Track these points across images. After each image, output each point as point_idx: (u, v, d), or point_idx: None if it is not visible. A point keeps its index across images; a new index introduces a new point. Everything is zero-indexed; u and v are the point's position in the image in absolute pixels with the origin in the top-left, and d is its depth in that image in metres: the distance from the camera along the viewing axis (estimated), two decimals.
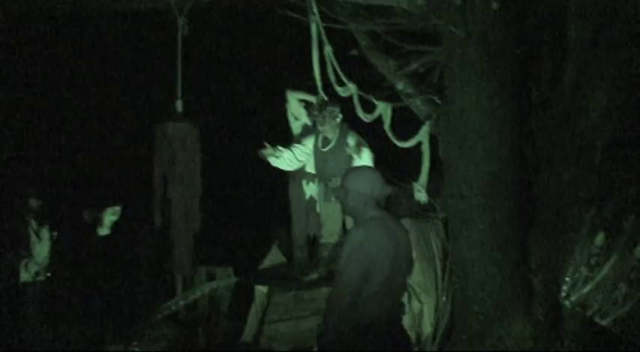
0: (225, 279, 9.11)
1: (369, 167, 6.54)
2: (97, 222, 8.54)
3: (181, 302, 8.77)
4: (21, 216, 8.63)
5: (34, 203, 8.66)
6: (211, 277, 9.22)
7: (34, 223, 8.63)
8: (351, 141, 8.24)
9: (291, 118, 9.00)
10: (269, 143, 8.20)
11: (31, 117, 11.00)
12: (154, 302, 8.85)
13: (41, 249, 8.62)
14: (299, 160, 8.44)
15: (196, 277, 9.26)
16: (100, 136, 11.40)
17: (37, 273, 8.51)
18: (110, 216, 8.53)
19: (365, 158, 8.17)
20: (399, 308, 5.28)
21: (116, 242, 8.66)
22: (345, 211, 5.25)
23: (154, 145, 8.88)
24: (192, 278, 9.27)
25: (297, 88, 8.86)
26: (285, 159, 8.31)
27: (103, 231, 8.54)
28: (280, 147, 8.26)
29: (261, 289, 8.60)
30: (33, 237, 8.59)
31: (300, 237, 8.98)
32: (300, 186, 8.89)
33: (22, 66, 10.63)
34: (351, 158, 8.26)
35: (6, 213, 8.69)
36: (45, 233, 8.69)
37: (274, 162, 8.28)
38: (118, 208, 8.57)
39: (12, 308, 8.41)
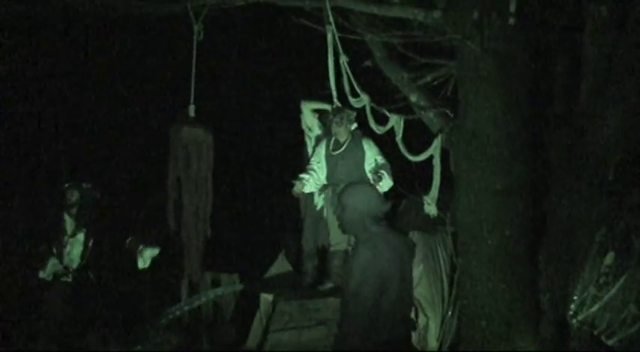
0: (230, 286, 9.09)
1: (365, 184, 6.46)
2: (136, 252, 8.55)
3: (186, 308, 8.73)
4: (57, 209, 8.60)
5: (71, 196, 8.60)
6: (217, 283, 9.20)
7: (70, 221, 8.58)
8: (367, 149, 8.28)
9: (305, 129, 9.01)
10: (294, 178, 8.44)
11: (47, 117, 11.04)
12: (158, 306, 8.83)
13: (72, 249, 8.57)
14: (321, 178, 8.51)
15: (202, 283, 9.24)
16: (115, 139, 11.42)
17: (62, 274, 8.47)
18: (151, 253, 8.55)
19: (384, 185, 8.17)
20: (410, 324, 5.25)
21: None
22: (342, 228, 5.10)
23: (167, 149, 8.89)
24: (197, 284, 9.25)
25: (311, 97, 8.87)
26: (312, 183, 8.40)
27: (142, 264, 8.56)
28: (302, 175, 8.44)
29: (266, 297, 8.58)
30: (67, 236, 8.55)
31: (310, 247, 8.96)
32: (312, 195, 8.88)
33: (40, 68, 10.67)
34: (361, 164, 8.29)
35: (47, 204, 8.70)
36: (81, 236, 8.62)
37: (305, 189, 8.39)
38: (157, 250, 8.59)
39: (34, 302, 8.40)
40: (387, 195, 8.22)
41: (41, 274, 8.41)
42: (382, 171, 8.16)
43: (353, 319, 4.84)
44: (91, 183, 8.68)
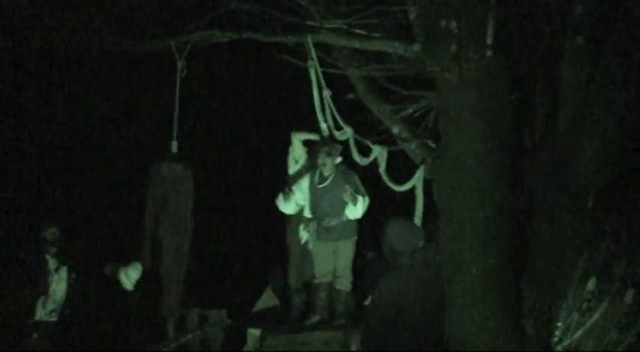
0: (217, 322, 9.09)
1: (404, 220, 6.63)
2: (116, 275, 8.57)
3: (173, 345, 8.72)
4: (39, 250, 8.62)
5: (50, 235, 8.64)
6: (204, 319, 9.19)
7: (52, 260, 8.61)
8: (351, 183, 8.35)
9: (291, 162, 9.07)
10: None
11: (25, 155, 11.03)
12: (145, 344, 8.82)
13: (57, 287, 8.58)
14: (299, 204, 8.57)
15: (189, 319, 9.23)
16: (93, 174, 11.42)
17: (51, 312, 8.48)
18: (134, 272, 8.56)
19: (359, 207, 8.28)
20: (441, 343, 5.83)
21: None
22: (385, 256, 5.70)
23: (146, 186, 8.89)
24: (184, 321, 9.23)
25: (301, 128, 8.96)
26: (292, 202, 8.44)
27: (127, 285, 8.57)
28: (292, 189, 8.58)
29: (253, 332, 8.58)
30: (52, 274, 8.56)
31: (298, 281, 9.00)
32: (297, 230, 8.94)
33: (21, 103, 10.68)
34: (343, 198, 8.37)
35: (24, 247, 8.70)
36: (63, 272, 8.65)
37: (283, 205, 8.43)
38: (139, 266, 8.60)
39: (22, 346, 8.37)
40: (371, 224, 8.32)
41: (39, 313, 8.42)
42: (358, 196, 8.27)
43: (372, 330, 5.48)
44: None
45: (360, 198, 8.34)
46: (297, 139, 8.97)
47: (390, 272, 5.50)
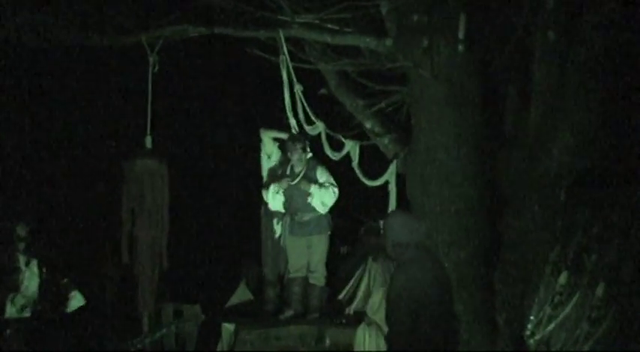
0: (192, 317, 9.08)
1: (404, 214, 6.61)
2: (68, 295, 8.58)
3: (147, 340, 8.70)
4: (9, 246, 8.57)
5: (22, 231, 8.60)
6: (179, 314, 9.17)
7: (22, 256, 8.56)
8: (320, 176, 8.34)
9: (264, 157, 9.05)
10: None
11: None
12: (120, 339, 8.80)
13: (29, 283, 8.53)
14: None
15: (164, 314, 9.20)
16: (68, 171, 11.36)
17: (22, 308, 8.42)
18: (77, 303, 8.60)
19: (325, 198, 8.29)
20: (455, 333, 5.87)
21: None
22: (387, 251, 5.69)
23: (122, 182, 8.84)
24: (159, 316, 9.21)
25: (271, 126, 8.93)
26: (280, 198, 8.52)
27: (67, 308, 8.60)
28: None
29: (227, 327, 8.56)
30: (23, 270, 8.52)
31: (272, 274, 9.00)
32: (271, 224, 8.93)
33: None
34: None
35: None
36: (34, 267, 8.61)
37: (273, 201, 8.44)
38: (82, 302, 8.64)
39: None
40: (344, 219, 8.34)
41: (8, 310, 8.35)
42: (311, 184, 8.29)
43: (395, 330, 5.43)
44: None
45: (320, 189, 8.30)
46: (267, 137, 8.95)
47: (399, 269, 5.54)
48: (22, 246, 8.58)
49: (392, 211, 6.37)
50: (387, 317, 5.48)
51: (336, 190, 8.32)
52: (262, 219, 9.14)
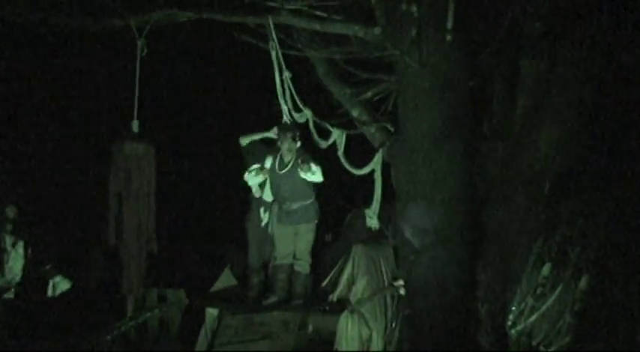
0: (175, 302, 9.09)
1: (422, 203, 6.73)
2: (50, 281, 8.58)
3: (131, 323, 8.70)
4: None
5: (10, 213, 8.60)
6: (163, 299, 9.17)
7: (9, 237, 8.56)
8: (303, 158, 8.36)
9: (249, 158, 9.01)
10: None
11: None
12: (104, 322, 8.79)
13: (14, 264, 8.53)
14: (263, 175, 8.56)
15: (148, 298, 9.21)
16: (56, 154, 11.32)
17: (1, 289, 8.42)
18: (63, 286, 8.58)
19: (317, 173, 8.30)
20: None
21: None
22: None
23: (109, 165, 8.82)
24: (143, 300, 9.21)
25: (244, 132, 8.93)
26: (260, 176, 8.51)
27: (50, 292, 8.59)
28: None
29: (211, 312, 8.60)
30: (9, 251, 8.52)
31: (257, 261, 9.02)
32: (258, 212, 8.95)
33: None
34: (304, 181, 8.37)
35: None
36: (20, 248, 8.61)
37: (252, 180, 8.43)
38: (68, 285, 8.61)
39: None
40: (329, 207, 8.36)
41: None
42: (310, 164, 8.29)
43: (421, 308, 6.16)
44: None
45: (312, 164, 8.33)
46: (245, 142, 8.92)
47: (421, 254, 6.08)
48: (9, 227, 8.59)
49: (410, 203, 6.47)
50: (412, 296, 5.97)
51: (319, 169, 8.38)
52: (251, 206, 9.15)
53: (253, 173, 8.59)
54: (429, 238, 5.76)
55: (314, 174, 8.36)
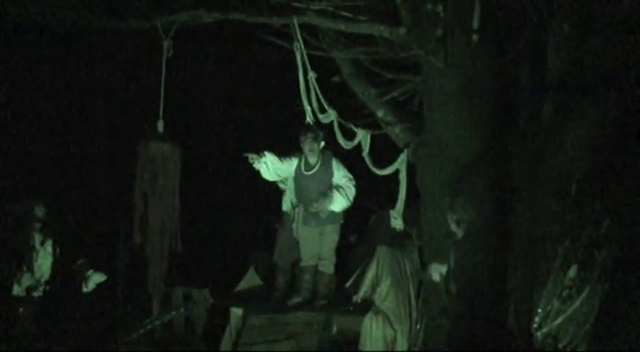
0: (201, 301, 9.13)
1: (467, 194, 6.85)
2: (83, 276, 8.62)
3: (157, 322, 8.75)
4: (26, 226, 8.66)
5: (40, 212, 8.69)
6: (188, 298, 9.22)
7: (37, 235, 8.64)
8: (336, 170, 8.33)
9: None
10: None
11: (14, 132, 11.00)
12: (131, 320, 8.85)
13: (43, 262, 8.61)
14: (278, 169, 8.46)
15: (173, 297, 9.26)
16: (82, 153, 11.40)
17: (29, 288, 8.49)
18: (97, 279, 8.61)
19: (342, 201, 8.31)
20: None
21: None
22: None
23: (135, 164, 8.87)
24: (169, 299, 9.26)
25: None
26: (269, 166, 8.38)
27: (85, 288, 8.62)
28: (266, 153, 8.38)
29: (236, 311, 8.60)
30: (37, 249, 8.59)
31: (285, 262, 9.02)
32: (287, 212, 8.97)
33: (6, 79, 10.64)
34: (330, 184, 8.35)
35: (9, 221, 8.71)
36: (49, 247, 8.68)
37: (261, 168, 8.37)
38: (104, 278, 8.66)
39: (5, 323, 8.39)
40: (354, 209, 8.35)
41: (15, 290, 8.43)
42: (333, 193, 8.26)
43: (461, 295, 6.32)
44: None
45: (334, 195, 8.31)
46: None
47: (460, 242, 6.33)
48: (38, 225, 8.67)
49: (453, 195, 6.56)
50: (451, 283, 6.27)
51: (354, 183, 8.34)
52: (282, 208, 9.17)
53: (261, 168, 8.49)
54: (469, 229, 6.18)
55: (337, 200, 8.35)
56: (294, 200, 8.73)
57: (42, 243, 8.65)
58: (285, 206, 8.87)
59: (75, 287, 8.68)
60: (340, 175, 8.37)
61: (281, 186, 8.82)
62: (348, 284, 8.75)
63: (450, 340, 6.67)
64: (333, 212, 8.42)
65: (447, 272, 6.59)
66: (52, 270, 8.62)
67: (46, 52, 10.49)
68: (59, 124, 11.28)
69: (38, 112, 11.10)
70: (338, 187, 8.34)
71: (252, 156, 8.26)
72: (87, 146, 11.38)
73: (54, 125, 11.24)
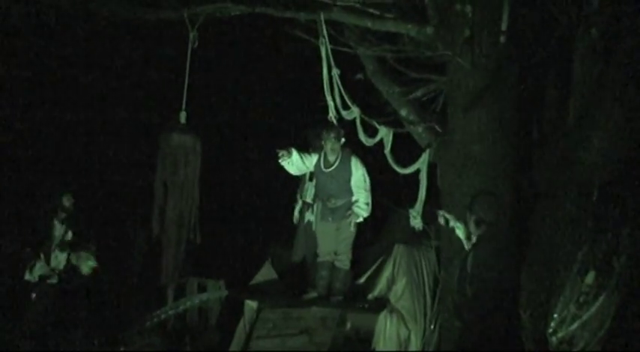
0: (215, 292, 9.13)
1: (490, 195, 6.86)
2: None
3: (171, 312, 8.77)
4: (50, 216, 8.74)
5: (67, 201, 8.75)
6: (203, 289, 9.23)
7: (60, 226, 8.70)
8: (355, 169, 8.32)
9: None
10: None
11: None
12: (145, 309, 8.88)
13: (59, 253, 8.66)
14: (301, 165, 8.48)
15: (188, 288, 9.28)
16: (104, 143, 11.45)
17: (42, 276, 8.53)
18: (90, 264, 8.65)
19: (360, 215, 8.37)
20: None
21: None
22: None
23: (157, 155, 8.89)
24: (183, 289, 9.28)
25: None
26: (294, 162, 8.39)
27: (85, 270, 8.67)
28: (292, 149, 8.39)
29: (250, 304, 8.60)
30: (58, 239, 8.66)
31: (301, 256, 9.05)
32: (304, 207, 9.00)
33: (28, 72, 10.69)
34: (348, 181, 8.35)
35: (35, 211, 8.81)
36: (68, 238, 8.75)
37: (286, 164, 8.38)
38: (92, 254, 8.71)
39: (18, 305, 8.47)
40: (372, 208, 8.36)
41: (27, 276, 8.48)
42: (352, 211, 8.35)
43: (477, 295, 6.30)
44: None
45: (355, 211, 8.37)
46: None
47: (481, 244, 6.35)
48: (62, 215, 8.73)
49: (479, 195, 6.57)
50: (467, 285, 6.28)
51: (369, 186, 8.36)
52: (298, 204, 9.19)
53: (286, 163, 8.52)
54: (490, 231, 6.25)
55: (360, 214, 8.40)
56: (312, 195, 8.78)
57: (63, 236, 8.71)
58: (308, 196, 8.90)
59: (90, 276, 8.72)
60: (359, 174, 8.36)
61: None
62: (361, 281, 8.76)
63: (462, 342, 6.65)
64: (350, 205, 8.43)
65: (464, 274, 6.56)
66: (67, 261, 8.68)
67: (66, 42, 10.51)
68: (82, 115, 11.32)
69: (60, 104, 11.14)
70: (355, 202, 8.38)
71: (282, 153, 8.26)
72: (109, 135, 11.41)
73: (76, 116, 11.29)
